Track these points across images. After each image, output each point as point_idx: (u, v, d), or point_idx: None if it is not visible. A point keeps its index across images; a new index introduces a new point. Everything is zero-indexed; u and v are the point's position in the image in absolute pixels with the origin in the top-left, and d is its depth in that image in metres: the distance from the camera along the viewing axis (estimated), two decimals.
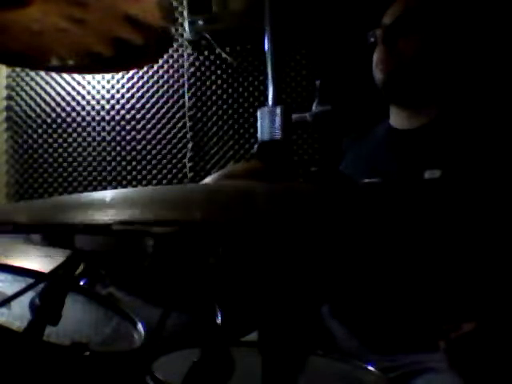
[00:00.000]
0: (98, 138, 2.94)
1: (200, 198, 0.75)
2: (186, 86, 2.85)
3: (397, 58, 1.56)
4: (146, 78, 2.89)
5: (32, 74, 2.98)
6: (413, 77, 1.56)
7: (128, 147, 2.91)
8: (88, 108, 2.95)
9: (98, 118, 2.94)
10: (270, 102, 1.09)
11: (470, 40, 1.59)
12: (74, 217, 0.67)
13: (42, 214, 0.70)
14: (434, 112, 1.57)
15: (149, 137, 2.89)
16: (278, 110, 1.03)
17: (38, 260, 1.52)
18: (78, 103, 2.95)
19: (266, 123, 1.03)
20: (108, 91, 2.93)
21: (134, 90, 2.90)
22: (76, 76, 2.92)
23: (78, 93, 2.95)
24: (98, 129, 2.94)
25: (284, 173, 1.01)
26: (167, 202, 0.72)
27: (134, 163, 2.91)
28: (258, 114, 1.05)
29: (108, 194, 0.80)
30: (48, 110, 2.97)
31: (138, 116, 2.90)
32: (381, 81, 1.59)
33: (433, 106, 1.58)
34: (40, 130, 2.98)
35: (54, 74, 2.92)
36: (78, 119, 2.95)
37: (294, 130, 1.05)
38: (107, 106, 2.93)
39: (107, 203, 0.70)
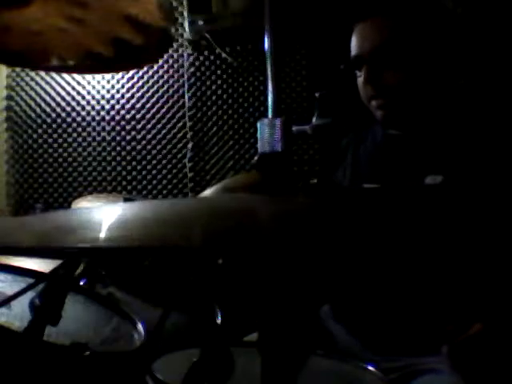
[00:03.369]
0: (98, 138, 2.94)
1: (200, 218, 0.75)
2: (186, 86, 2.85)
3: (388, 92, 1.51)
4: (146, 78, 2.89)
5: (32, 74, 2.98)
6: (411, 106, 1.53)
7: (128, 147, 2.91)
8: (88, 108, 2.95)
9: (98, 117, 2.94)
10: (270, 101, 1.09)
11: (452, 49, 1.56)
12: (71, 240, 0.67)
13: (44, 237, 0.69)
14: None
15: (149, 137, 2.89)
16: (278, 123, 1.03)
17: (37, 260, 1.52)
18: (78, 103, 2.96)
19: (266, 135, 1.03)
20: (108, 91, 2.93)
21: (134, 90, 2.90)
22: (76, 76, 2.93)
23: (78, 93, 2.96)
24: (98, 129, 2.94)
25: (284, 185, 1.01)
26: (167, 223, 0.71)
27: (133, 163, 2.91)
28: (258, 125, 1.05)
29: (105, 214, 0.79)
30: (48, 109, 2.98)
31: (138, 116, 2.90)
32: (380, 118, 1.55)
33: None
34: (40, 130, 2.99)
35: (54, 74, 2.93)
36: (78, 119, 2.96)
37: (294, 141, 1.05)
38: (107, 106, 2.93)
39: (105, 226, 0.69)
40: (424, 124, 1.53)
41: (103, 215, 0.78)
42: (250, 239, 0.66)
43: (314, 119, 1.14)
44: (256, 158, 1.02)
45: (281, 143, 1.02)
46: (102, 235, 0.66)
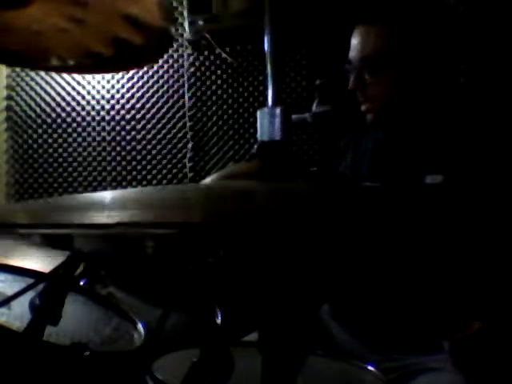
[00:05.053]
0: (98, 138, 2.94)
1: (200, 199, 0.75)
2: (186, 86, 2.85)
3: (375, 99, 1.52)
4: (146, 78, 2.89)
5: (32, 74, 2.98)
6: (400, 111, 1.53)
7: (128, 147, 2.91)
8: (88, 108, 2.95)
9: (98, 118, 2.94)
10: (270, 102, 1.09)
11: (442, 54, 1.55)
12: (74, 218, 0.67)
13: (41, 215, 0.69)
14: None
15: (149, 137, 2.89)
16: (278, 111, 1.03)
17: (37, 260, 1.52)
18: (78, 103, 2.96)
19: (266, 124, 1.03)
20: (108, 91, 2.93)
21: (134, 90, 2.90)
22: (76, 76, 2.92)
23: (78, 93, 2.95)
24: (98, 129, 2.94)
25: (284, 173, 1.01)
26: (167, 203, 0.72)
27: (134, 163, 2.91)
28: (258, 114, 1.05)
29: (108, 195, 0.80)
30: (48, 109, 2.98)
31: (138, 116, 2.90)
32: (368, 121, 1.56)
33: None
34: (40, 130, 2.99)
35: (54, 74, 2.93)
36: (78, 119, 2.95)
37: (293, 130, 1.05)
38: (107, 106, 2.93)
39: (107, 204, 0.70)
40: (419, 125, 1.53)
41: (103, 197, 0.78)
42: (248, 216, 0.66)
43: (313, 107, 1.14)
44: (256, 146, 1.02)
45: (280, 132, 1.02)
46: (101, 213, 0.66)
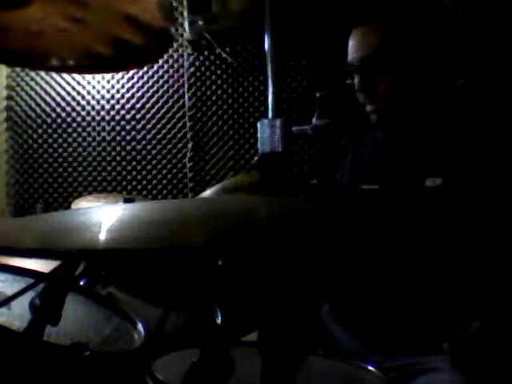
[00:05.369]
0: (98, 138, 2.94)
1: (201, 219, 0.75)
2: (186, 86, 2.85)
3: (381, 98, 1.52)
4: (146, 78, 2.89)
5: (32, 74, 2.98)
6: (405, 111, 1.52)
7: (128, 147, 2.91)
8: (88, 108, 2.95)
9: (98, 118, 2.94)
10: (270, 101, 1.09)
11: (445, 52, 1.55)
12: (74, 241, 0.67)
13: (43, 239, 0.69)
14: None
15: (149, 137, 2.89)
16: (278, 123, 1.03)
17: (37, 260, 1.52)
18: (78, 103, 2.96)
19: (266, 135, 1.03)
20: (108, 91, 2.93)
21: (134, 89, 2.90)
22: (76, 76, 2.92)
23: (78, 93, 2.95)
24: (98, 129, 2.94)
25: (284, 185, 1.01)
26: (167, 224, 0.71)
27: (133, 163, 2.91)
28: (258, 126, 1.05)
29: (107, 213, 0.79)
30: (48, 109, 2.97)
31: (138, 116, 2.90)
32: (374, 122, 1.56)
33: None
34: (40, 130, 2.99)
35: (54, 74, 2.93)
36: (78, 119, 2.96)
37: (294, 141, 1.05)
38: (107, 106, 2.93)
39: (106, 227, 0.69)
40: (419, 127, 1.53)
41: (104, 217, 0.78)
42: (251, 241, 0.66)
43: (314, 119, 1.14)
44: (256, 158, 1.02)
45: (281, 143, 1.02)
46: (103, 237, 0.66)
